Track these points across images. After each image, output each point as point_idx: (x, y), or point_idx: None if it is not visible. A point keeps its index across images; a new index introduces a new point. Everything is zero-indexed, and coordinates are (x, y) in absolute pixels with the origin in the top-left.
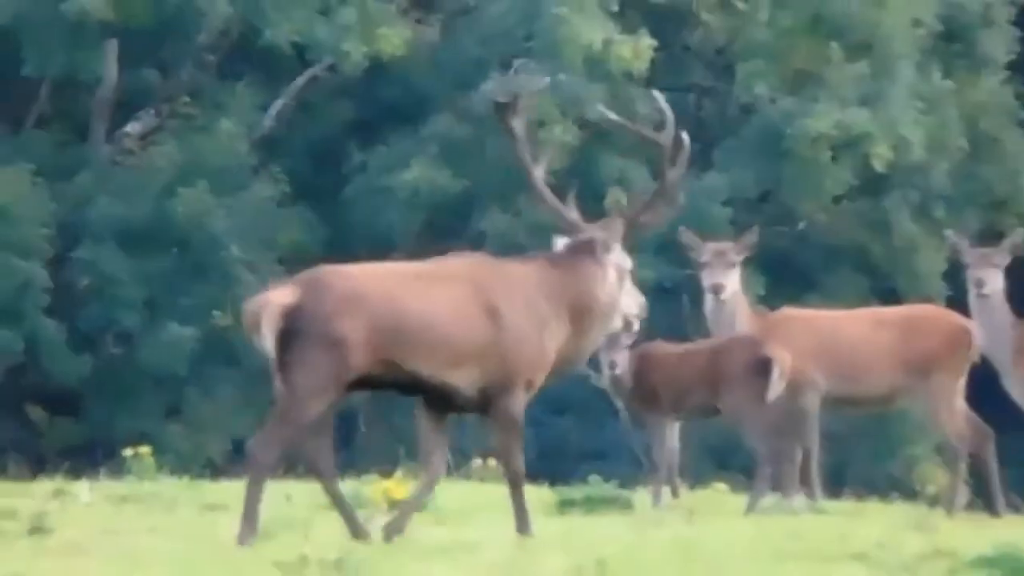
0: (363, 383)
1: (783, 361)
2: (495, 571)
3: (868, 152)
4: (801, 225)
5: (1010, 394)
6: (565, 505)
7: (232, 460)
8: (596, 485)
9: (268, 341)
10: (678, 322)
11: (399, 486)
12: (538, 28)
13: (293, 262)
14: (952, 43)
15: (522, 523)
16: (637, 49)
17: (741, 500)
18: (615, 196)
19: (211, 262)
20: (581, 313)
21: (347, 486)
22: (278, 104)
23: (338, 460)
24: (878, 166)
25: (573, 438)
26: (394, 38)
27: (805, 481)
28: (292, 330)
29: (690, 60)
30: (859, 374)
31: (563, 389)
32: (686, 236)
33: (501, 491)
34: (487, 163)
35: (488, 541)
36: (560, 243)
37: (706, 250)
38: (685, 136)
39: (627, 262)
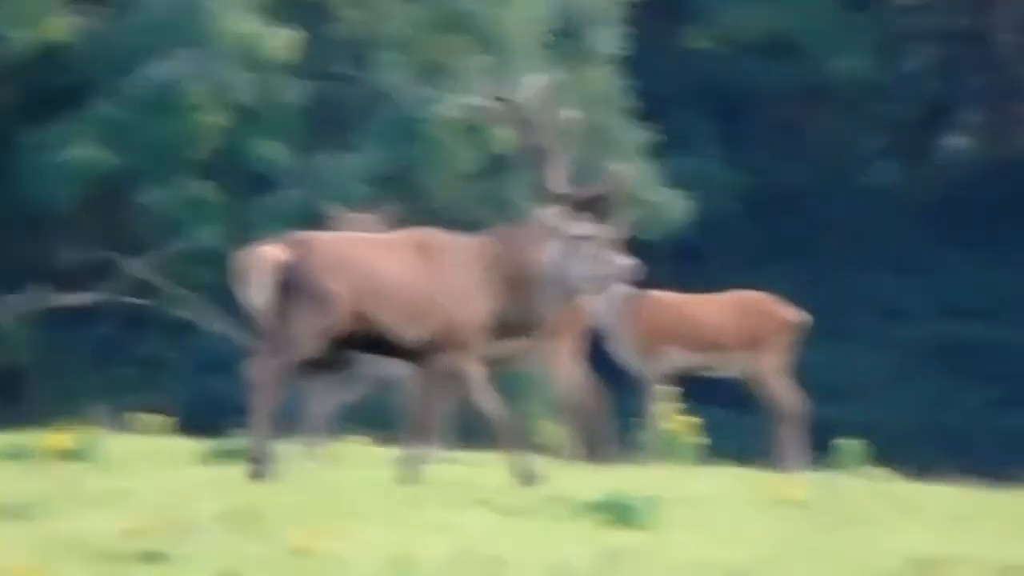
0: (339, 337)
1: None
2: (151, 515)
3: (491, 135)
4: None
5: (617, 356)
6: (220, 455)
7: None
8: None
9: (256, 289)
10: None
11: (61, 438)
12: (194, 19)
13: None
14: (568, 38)
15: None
16: (285, 40)
17: (381, 452)
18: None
19: None
20: (522, 280)
21: (11, 439)
22: None
23: (5, 415)
24: (499, 148)
25: (230, 393)
26: (59, 26)
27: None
28: (284, 284)
29: (332, 50)
30: None
31: (220, 347)
32: (334, 210)
33: (158, 443)
34: (146, 143)
35: (145, 488)
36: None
37: (348, 222)
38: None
39: (581, 231)
